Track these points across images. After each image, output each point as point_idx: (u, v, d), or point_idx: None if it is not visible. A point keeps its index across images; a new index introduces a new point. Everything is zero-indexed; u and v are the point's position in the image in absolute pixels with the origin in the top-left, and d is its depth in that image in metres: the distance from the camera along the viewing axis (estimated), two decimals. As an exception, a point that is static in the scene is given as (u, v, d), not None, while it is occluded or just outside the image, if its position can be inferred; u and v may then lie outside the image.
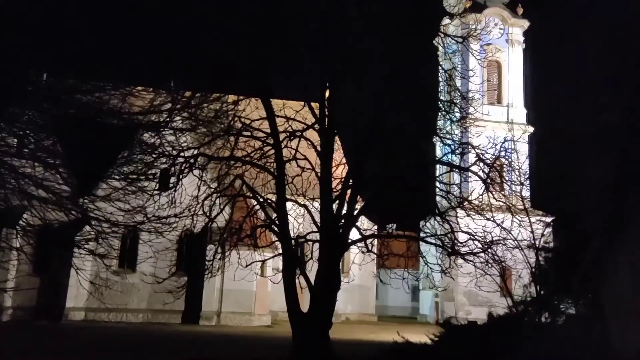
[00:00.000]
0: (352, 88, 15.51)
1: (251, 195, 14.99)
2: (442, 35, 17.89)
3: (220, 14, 13.98)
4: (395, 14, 15.04)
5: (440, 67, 17.93)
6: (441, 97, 17.05)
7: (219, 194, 14.75)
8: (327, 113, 14.86)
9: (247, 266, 15.49)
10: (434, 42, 19.85)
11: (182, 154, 13.68)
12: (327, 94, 15.26)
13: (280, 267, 15.08)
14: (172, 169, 13.66)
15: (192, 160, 13.93)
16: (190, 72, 13.30)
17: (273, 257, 16.68)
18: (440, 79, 18.82)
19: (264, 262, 17.36)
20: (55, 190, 9.01)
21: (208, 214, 14.36)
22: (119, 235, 12.39)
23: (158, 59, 11.37)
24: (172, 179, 13.86)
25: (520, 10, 37.96)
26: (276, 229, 14.70)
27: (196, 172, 14.11)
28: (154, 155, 11.94)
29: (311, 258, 15.20)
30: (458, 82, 16.90)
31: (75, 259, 10.84)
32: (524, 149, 27.69)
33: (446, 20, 31.13)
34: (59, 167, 8.95)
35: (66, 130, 8.89)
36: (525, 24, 37.81)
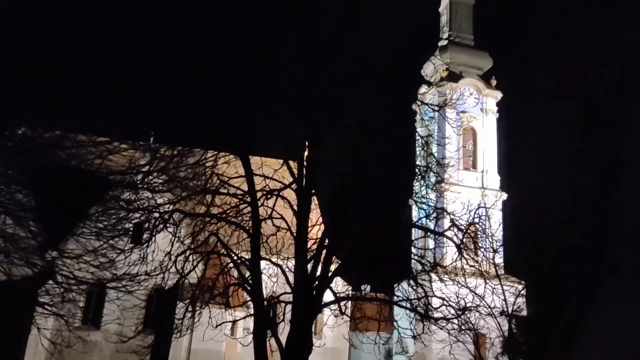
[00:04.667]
0: (331, 149, 15.79)
1: (225, 252, 14.81)
2: (419, 102, 18.52)
3: (200, 72, 14.32)
4: (375, 79, 15.59)
5: (417, 134, 18.45)
6: (417, 162, 17.44)
7: (192, 251, 14.54)
8: (305, 173, 15.01)
9: (217, 326, 15.08)
10: (412, 107, 20.51)
11: (157, 209, 13.56)
12: (305, 153, 15.48)
13: (252, 328, 14.71)
14: (146, 224, 13.49)
15: (166, 216, 13.80)
16: (169, 129, 13.44)
17: (245, 317, 16.29)
18: (417, 144, 19.32)
19: (234, 322, 16.93)
20: (22, 245, 8.80)
21: (180, 271, 14.08)
22: (85, 291, 12.02)
23: (138, 115, 11.51)
24: (145, 235, 13.66)
25: (493, 82, 39.68)
26: (249, 288, 14.45)
27: (170, 228, 13.94)
28: (128, 210, 11.82)
29: (283, 320, 14.88)
30: (434, 148, 17.38)
31: (37, 315, 10.42)
32: (497, 215, 28.15)
33: (423, 89, 32.26)
34: (29, 220, 8.78)
35: (40, 184, 8.79)
36: (499, 94, 39.43)
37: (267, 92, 15.11)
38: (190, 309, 14.50)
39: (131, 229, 12.11)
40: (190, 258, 14.44)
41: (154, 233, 13.56)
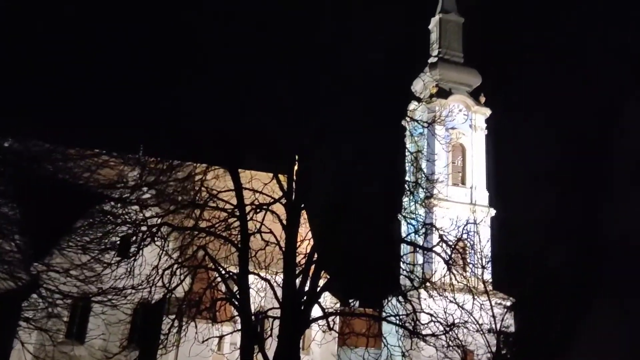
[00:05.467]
0: (321, 164, 15.83)
1: (213, 267, 14.70)
2: (408, 119, 18.63)
3: (191, 84, 14.34)
4: (365, 94, 15.70)
5: (406, 150, 18.53)
6: (407, 178, 17.51)
7: (180, 265, 14.41)
8: (294, 187, 15.01)
9: (204, 341, 14.89)
10: (401, 122, 20.63)
11: (145, 222, 13.45)
12: (295, 167, 15.49)
13: (239, 343, 14.55)
14: (134, 237, 13.37)
15: (154, 230, 13.68)
16: (159, 141, 13.40)
17: (232, 332, 16.13)
18: (406, 159, 19.42)
19: (221, 337, 16.75)
20: (7, 258, 8.66)
21: (167, 285, 13.94)
22: (70, 305, 11.84)
23: (127, 127, 11.47)
24: (133, 248, 13.52)
25: (482, 99, 40.08)
26: (237, 302, 14.33)
27: (158, 241, 13.81)
28: (115, 224, 11.71)
29: (271, 335, 14.75)
30: (423, 164, 17.47)
31: (20, 330, 10.22)
32: (485, 231, 28.26)
33: (413, 105, 32.50)
34: (14, 234, 8.66)
35: (26, 197, 8.69)
36: (487, 111, 39.81)
37: (258, 106, 15.16)
38: (176, 324, 14.32)
39: (118, 242, 11.97)
40: (178, 272, 14.31)
41: (141, 246, 13.44)
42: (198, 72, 14.35)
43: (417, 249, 16.78)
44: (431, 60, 37.54)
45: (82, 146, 10.66)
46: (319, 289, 14.67)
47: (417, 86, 32.65)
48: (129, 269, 13.10)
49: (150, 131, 13.58)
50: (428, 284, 15.30)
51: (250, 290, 14.35)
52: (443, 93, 38.00)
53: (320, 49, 14.79)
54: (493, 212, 36.24)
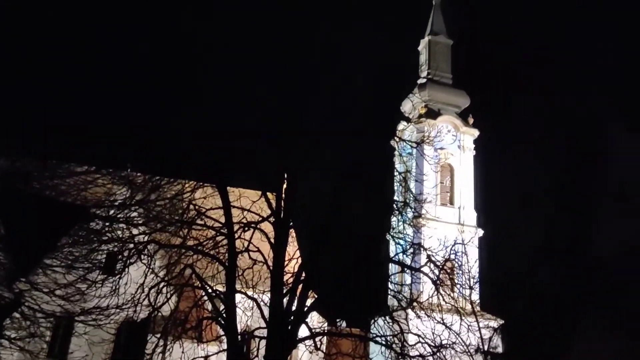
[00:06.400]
0: (309, 182, 15.85)
1: (200, 285, 14.57)
2: (397, 139, 18.77)
3: (180, 101, 14.37)
4: (354, 115, 15.82)
5: (395, 169, 18.64)
6: (395, 197, 17.57)
7: (166, 283, 14.26)
8: (283, 205, 15.00)
9: (188, 362, 14.66)
10: (390, 142, 20.76)
11: (131, 240, 13.34)
12: (284, 185, 15.50)
13: (224, 364, 14.38)
14: (120, 255, 13.24)
15: (141, 247, 13.57)
16: (148, 158, 13.36)
17: (218, 352, 15.93)
18: (395, 179, 19.50)
19: (207, 357, 16.50)
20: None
21: (153, 303, 13.77)
22: (52, 324, 11.63)
23: (115, 145, 11.42)
24: (118, 265, 13.38)
25: (471, 120, 40.51)
26: (223, 322, 14.19)
27: (144, 259, 13.68)
28: (101, 241, 11.60)
29: (257, 355, 14.59)
30: (412, 184, 17.57)
31: (0, 349, 10.02)
32: (473, 251, 28.30)
33: (402, 125, 32.74)
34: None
35: (11, 214, 8.60)
36: (476, 132, 40.22)
37: (247, 123, 15.20)
38: (161, 343, 14.12)
39: (104, 259, 11.83)
40: (164, 290, 14.16)
41: (127, 264, 13.31)
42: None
43: (405, 269, 16.77)
44: (420, 81, 38.00)
45: (71, 161, 10.59)
46: (306, 308, 14.58)
47: (406, 107, 32.95)
48: (114, 287, 12.95)
49: (140, 146, 13.53)
50: (415, 304, 15.27)
51: (237, 309, 14.22)
52: (432, 114, 38.38)
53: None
54: (481, 232, 36.37)
